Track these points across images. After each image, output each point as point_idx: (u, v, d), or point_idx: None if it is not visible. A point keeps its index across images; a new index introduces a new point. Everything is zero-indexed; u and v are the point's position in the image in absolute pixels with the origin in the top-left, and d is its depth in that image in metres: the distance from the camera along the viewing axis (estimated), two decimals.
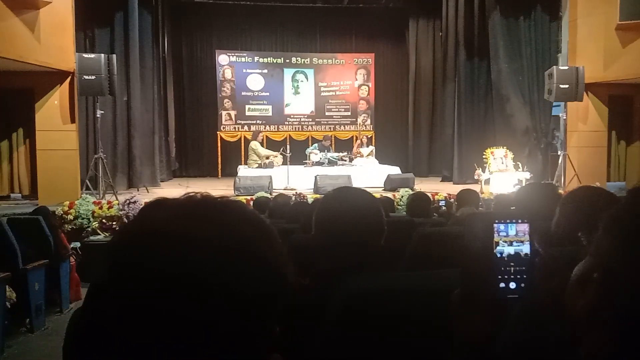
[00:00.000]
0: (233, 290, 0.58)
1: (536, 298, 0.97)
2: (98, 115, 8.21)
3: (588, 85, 8.86)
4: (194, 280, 0.57)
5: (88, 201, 7.25)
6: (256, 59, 13.44)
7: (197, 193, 0.66)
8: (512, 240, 1.04)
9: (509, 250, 1.04)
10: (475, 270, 1.05)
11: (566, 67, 8.90)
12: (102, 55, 7.97)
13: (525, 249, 1.06)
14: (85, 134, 8.94)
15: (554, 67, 8.89)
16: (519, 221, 1.06)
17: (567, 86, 8.62)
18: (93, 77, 7.80)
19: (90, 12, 8.95)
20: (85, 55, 7.98)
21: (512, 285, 0.99)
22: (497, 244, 1.05)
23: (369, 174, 10.35)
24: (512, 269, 1.01)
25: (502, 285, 0.99)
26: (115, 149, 9.40)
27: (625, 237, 0.59)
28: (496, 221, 1.04)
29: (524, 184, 7.78)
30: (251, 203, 6.37)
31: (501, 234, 1.05)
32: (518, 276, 1.00)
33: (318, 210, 1.37)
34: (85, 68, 7.78)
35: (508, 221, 1.03)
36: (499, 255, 1.04)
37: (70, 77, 7.95)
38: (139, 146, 9.63)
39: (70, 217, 7.00)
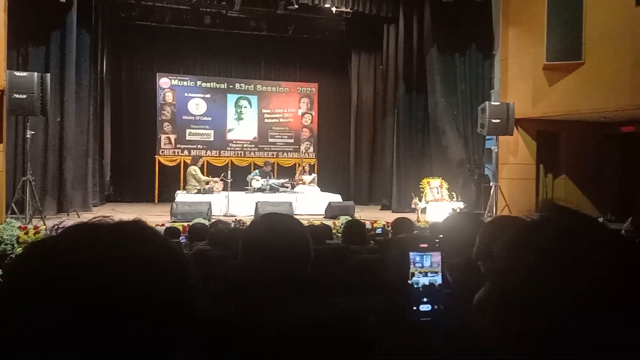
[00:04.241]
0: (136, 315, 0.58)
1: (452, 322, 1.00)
2: (28, 136, 7.85)
3: (518, 121, 9.35)
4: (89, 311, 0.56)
5: (13, 226, 6.85)
6: (199, 83, 13.34)
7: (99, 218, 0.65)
8: (427, 272, 1.08)
9: (424, 281, 1.07)
10: (392, 297, 1.08)
11: (498, 103, 9.36)
12: (35, 73, 7.68)
13: (439, 279, 1.10)
14: (14, 155, 8.50)
15: (487, 102, 9.33)
16: (433, 251, 1.09)
17: (498, 121, 9.06)
18: (24, 96, 7.48)
19: (26, 30, 8.63)
20: (17, 73, 7.66)
21: (425, 308, 1.02)
22: (413, 274, 1.08)
23: (310, 201, 10.40)
24: (426, 297, 1.04)
25: (414, 308, 1.02)
26: (46, 171, 8.98)
27: (517, 261, 0.63)
28: (411, 252, 1.08)
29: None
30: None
31: (417, 265, 1.08)
32: (431, 301, 1.03)
33: (245, 236, 1.36)
34: (16, 86, 7.46)
35: (423, 252, 1.07)
36: (415, 286, 1.07)
37: None
38: (71, 169, 9.26)
39: None
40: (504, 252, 0.65)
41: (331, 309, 1.07)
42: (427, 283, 1.09)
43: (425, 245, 1.10)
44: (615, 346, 0.55)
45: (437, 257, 1.11)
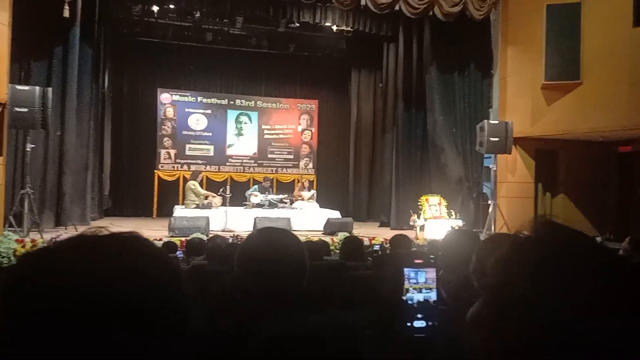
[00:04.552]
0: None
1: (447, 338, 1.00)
2: (28, 149, 7.87)
3: (516, 139, 9.39)
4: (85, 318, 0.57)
5: (10, 239, 6.84)
6: (199, 99, 13.42)
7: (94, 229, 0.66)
8: (422, 288, 1.08)
9: (418, 297, 1.07)
10: (385, 313, 1.08)
11: (496, 122, 9.41)
12: (37, 87, 7.73)
13: (434, 295, 1.10)
14: (13, 168, 8.50)
15: (485, 120, 9.38)
16: (427, 268, 1.10)
17: (497, 139, 9.09)
18: (26, 110, 7.52)
19: (28, 44, 8.69)
20: (19, 87, 7.71)
21: (419, 324, 1.03)
22: (408, 290, 1.09)
23: (309, 217, 10.39)
24: (420, 313, 1.04)
25: (408, 324, 1.02)
26: (45, 184, 8.98)
27: (509, 277, 0.63)
28: (406, 267, 1.08)
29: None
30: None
31: (411, 281, 1.09)
32: (425, 317, 1.03)
33: (241, 249, 1.36)
34: (17, 100, 7.50)
35: (417, 269, 1.07)
36: (409, 302, 1.08)
37: (1, 108, 7.62)
38: (70, 183, 9.26)
39: None
40: (497, 267, 0.65)
41: (324, 322, 1.08)
42: (421, 299, 1.09)
43: (420, 262, 1.11)
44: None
45: (432, 273, 1.11)
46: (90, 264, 0.60)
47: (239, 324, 1.20)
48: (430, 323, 1.05)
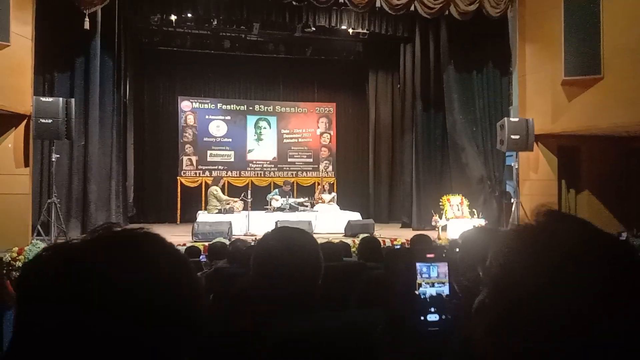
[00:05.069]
0: (145, 320, 0.61)
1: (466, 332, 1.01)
2: (53, 159, 8.06)
3: (538, 136, 9.27)
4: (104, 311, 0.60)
5: (38, 247, 7.00)
6: (219, 105, 13.55)
7: (109, 225, 0.69)
8: (434, 282, 1.10)
9: (431, 291, 1.09)
10: (398, 309, 1.09)
11: (517, 119, 9.30)
12: (61, 99, 7.91)
13: (446, 289, 1.11)
14: (40, 177, 8.73)
15: (505, 118, 9.28)
16: (439, 262, 1.11)
17: (518, 137, 8.99)
18: (50, 121, 7.71)
19: (51, 56, 8.91)
20: (43, 99, 7.90)
21: (433, 317, 1.04)
22: (420, 285, 1.10)
23: (330, 219, 10.40)
24: (433, 307, 1.05)
25: (422, 318, 1.03)
26: (70, 193, 9.19)
27: (506, 265, 0.64)
28: (418, 262, 1.09)
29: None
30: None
31: (424, 275, 1.10)
32: (438, 311, 1.04)
33: (256, 249, 1.39)
34: (42, 111, 7.69)
35: (429, 263, 1.09)
36: (422, 296, 1.09)
37: (26, 120, 7.82)
38: (95, 191, 9.45)
39: (19, 263, 6.73)
40: (498, 256, 0.66)
41: (337, 321, 1.09)
42: (434, 293, 1.10)
43: (432, 256, 1.12)
44: (606, 346, 0.56)
45: (443, 267, 1.13)
46: (103, 258, 0.63)
47: (254, 324, 1.22)
48: (444, 317, 1.06)
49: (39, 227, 7.78)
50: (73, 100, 8.18)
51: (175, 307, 0.64)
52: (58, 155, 8.25)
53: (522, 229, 0.67)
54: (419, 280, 1.08)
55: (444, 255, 1.13)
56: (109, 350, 0.59)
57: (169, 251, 0.69)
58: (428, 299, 1.07)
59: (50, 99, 7.94)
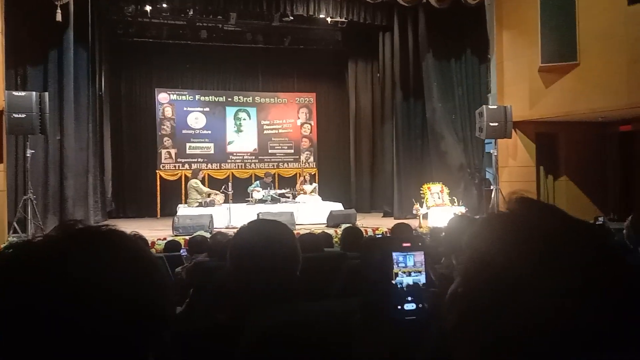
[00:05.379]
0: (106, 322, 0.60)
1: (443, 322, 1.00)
2: (28, 155, 7.90)
3: (516, 123, 9.36)
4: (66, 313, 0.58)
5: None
6: (197, 97, 13.41)
7: (69, 222, 0.68)
8: (410, 271, 1.08)
9: (407, 280, 1.08)
10: (375, 298, 1.08)
11: (495, 106, 9.38)
12: (34, 93, 7.75)
13: (423, 278, 1.10)
14: (14, 174, 8.54)
15: (484, 106, 9.35)
16: (416, 251, 1.10)
17: (496, 124, 9.07)
18: (23, 116, 7.54)
19: (23, 50, 8.70)
20: (15, 93, 7.73)
21: (409, 307, 1.03)
22: (397, 274, 1.09)
23: (312, 210, 10.40)
24: (410, 296, 1.04)
25: (399, 307, 1.02)
26: (47, 189, 9.02)
27: (476, 252, 0.63)
28: (395, 252, 1.08)
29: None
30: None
31: (400, 265, 1.09)
32: (415, 300, 1.03)
33: (232, 242, 1.37)
34: (15, 106, 7.52)
35: (405, 252, 1.07)
36: (399, 286, 1.08)
37: None
38: (71, 186, 9.29)
39: None
40: (470, 243, 0.65)
41: (314, 311, 1.08)
42: (411, 282, 1.09)
43: (408, 245, 1.10)
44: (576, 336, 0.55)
45: (420, 256, 1.11)
46: (63, 255, 0.61)
47: (232, 317, 1.21)
48: (420, 305, 1.05)
49: (15, 224, 7.64)
50: (47, 94, 8.01)
51: (138, 302, 0.63)
52: (33, 151, 8.08)
53: (494, 217, 0.66)
54: (395, 269, 1.07)
55: (420, 244, 1.12)
56: (69, 347, 0.59)
57: (132, 247, 0.67)
58: (405, 288, 1.05)
59: (23, 93, 7.76)
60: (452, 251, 2.18)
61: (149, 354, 0.64)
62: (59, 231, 0.68)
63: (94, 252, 0.64)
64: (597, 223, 5.43)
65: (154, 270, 0.67)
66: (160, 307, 0.65)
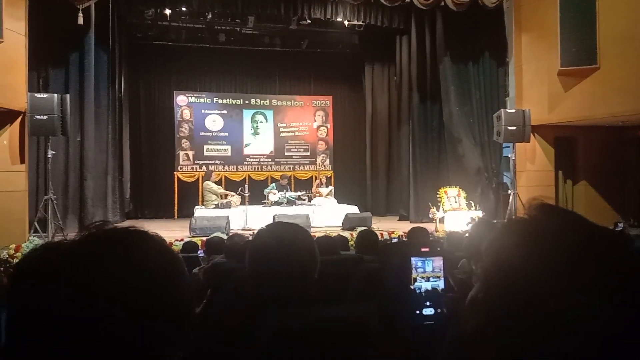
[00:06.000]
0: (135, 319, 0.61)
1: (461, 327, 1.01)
2: (49, 156, 8.02)
3: (534, 127, 9.27)
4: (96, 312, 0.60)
5: (35, 244, 6.99)
6: (215, 99, 13.51)
7: (98, 223, 0.69)
8: (429, 276, 1.09)
9: (426, 286, 1.08)
10: (393, 303, 1.08)
11: (513, 110, 9.29)
12: (55, 95, 7.87)
13: (441, 284, 1.10)
14: (36, 174, 8.70)
15: (502, 109, 9.27)
16: (434, 256, 1.10)
17: (514, 128, 8.99)
18: (45, 117, 7.67)
19: (45, 52, 8.86)
20: (38, 95, 7.86)
21: (428, 312, 1.04)
22: (415, 279, 1.09)
23: (327, 213, 10.40)
24: (428, 301, 1.05)
25: (417, 312, 1.03)
26: (67, 189, 9.16)
27: (496, 258, 0.64)
28: (413, 257, 1.09)
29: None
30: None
31: (419, 270, 1.09)
32: (434, 305, 1.04)
33: (251, 245, 1.38)
34: (37, 108, 7.65)
35: (424, 257, 1.08)
36: (417, 291, 1.08)
37: (21, 117, 7.78)
38: (91, 187, 9.42)
39: (17, 260, 6.71)
40: (489, 249, 0.66)
41: (330, 316, 1.09)
42: (429, 288, 1.10)
43: (427, 250, 1.11)
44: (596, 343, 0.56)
45: (439, 261, 1.12)
46: (91, 257, 0.63)
47: (247, 320, 1.22)
48: (439, 310, 1.05)
49: (36, 223, 7.76)
50: (68, 96, 8.13)
51: (163, 304, 0.64)
52: (54, 152, 8.21)
53: (514, 222, 0.66)
54: (414, 274, 1.07)
55: (438, 249, 1.12)
56: (97, 347, 0.60)
57: (159, 249, 0.69)
58: (423, 294, 1.06)
59: (45, 95, 7.90)
60: (472, 256, 2.17)
61: (177, 354, 0.65)
62: (88, 232, 0.69)
63: (120, 254, 0.65)
64: (617, 229, 5.35)
65: (180, 272, 0.68)
66: (186, 308, 0.66)
